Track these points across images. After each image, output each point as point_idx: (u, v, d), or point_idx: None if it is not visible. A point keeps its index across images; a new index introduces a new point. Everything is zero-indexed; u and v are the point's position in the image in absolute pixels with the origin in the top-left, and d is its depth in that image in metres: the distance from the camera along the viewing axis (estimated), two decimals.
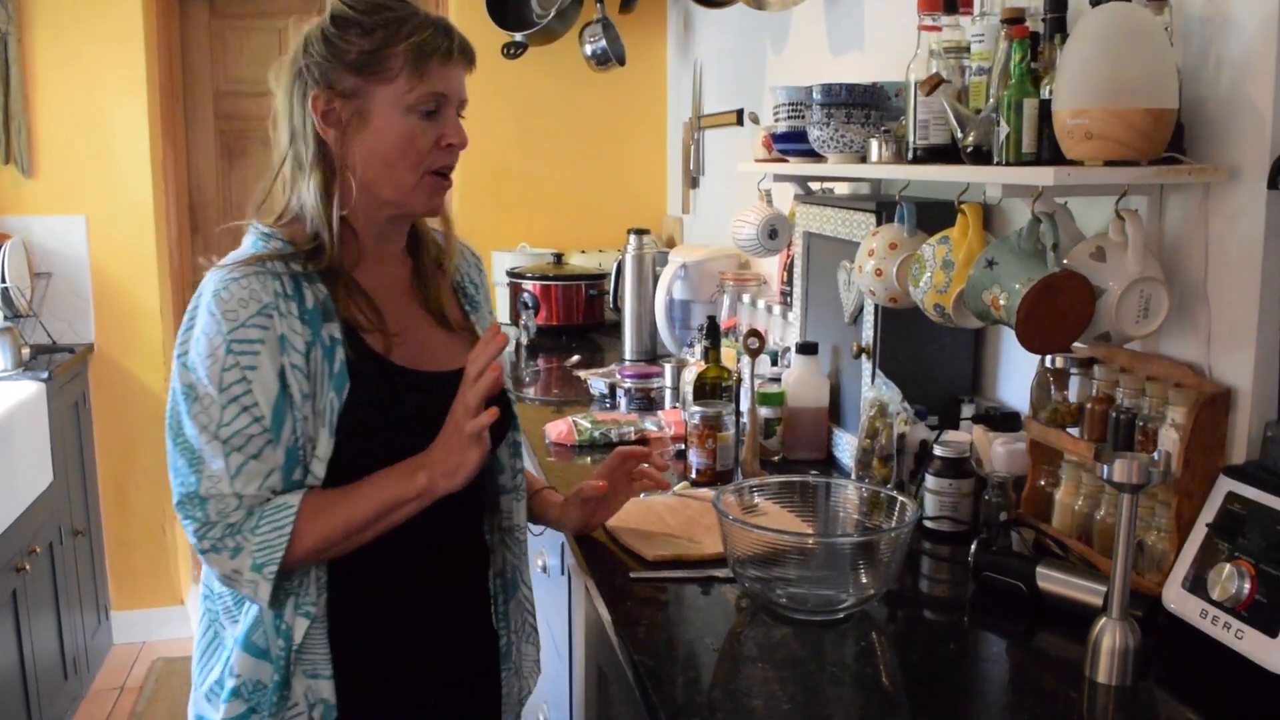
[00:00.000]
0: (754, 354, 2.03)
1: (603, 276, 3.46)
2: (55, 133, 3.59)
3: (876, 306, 1.85)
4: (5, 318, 3.33)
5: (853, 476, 1.86)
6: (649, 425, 2.27)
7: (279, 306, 1.24)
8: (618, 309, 3.23)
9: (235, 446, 1.21)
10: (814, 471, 1.95)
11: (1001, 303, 1.41)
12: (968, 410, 1.82)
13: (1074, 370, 1.53)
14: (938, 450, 1.64)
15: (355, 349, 1.29)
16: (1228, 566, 1.20)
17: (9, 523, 2.76)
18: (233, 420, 1.21)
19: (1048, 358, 1.55)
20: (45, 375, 3.14)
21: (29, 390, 3.04)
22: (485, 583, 1.49)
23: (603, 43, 3.40)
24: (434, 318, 1.41)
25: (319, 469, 1.26)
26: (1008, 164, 1.39)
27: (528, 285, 3.42)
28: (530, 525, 1.58)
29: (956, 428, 1.79)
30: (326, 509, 1.25)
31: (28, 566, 2.85)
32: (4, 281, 3.34)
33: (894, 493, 1.50)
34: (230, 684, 1.28)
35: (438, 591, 1.42)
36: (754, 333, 2.04)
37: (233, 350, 1.21)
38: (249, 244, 1.31)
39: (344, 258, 1.31)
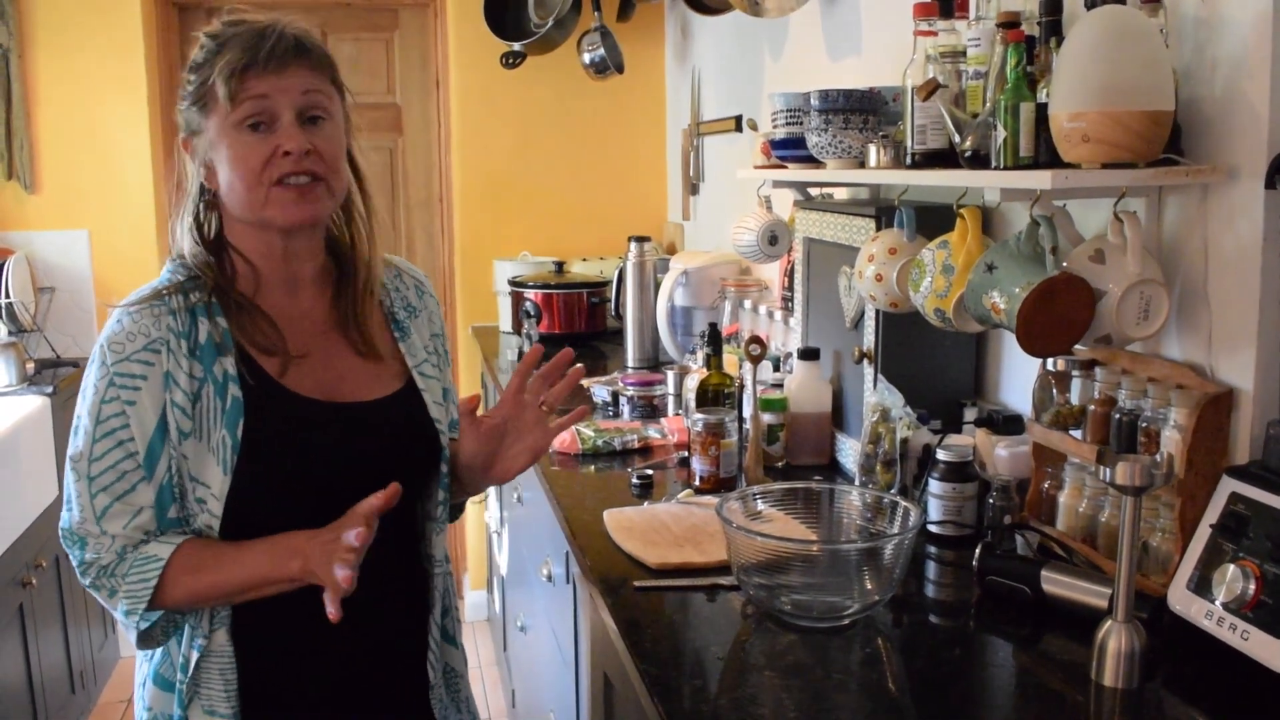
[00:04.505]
0: (756, 360, 2.03)
1: (604, 284, 3.46)
2: (57, 148, 3.60)
3: (877, 311, 1.85)
4: (9, 333, 3.34)
5: (856, 482, 1.86)
6: (652, 433, 2.27)
7: (169, 342, 1.24)
8: (619, 316, 3.23)
9: (102, 486, 1.22)
10: (817, 477, 1.95)
11: (1002, 307, 1.41)
12: (970, 414, 1.82)
13: (1076, 373, 1.53)
14: (941, 454, 1.64)
15: (253, 377, 1.27)
16: (1232, 568, 1.20)
17: (15, 537, 2.77)
18: (104, 455, 1.22)
19: (1049, 360, 1.55)
20: (50, 390, 3.15)
21: (34, 405, 3.04)
22: (424, 623, 1.40)
23: (601, 51, 3.41)
24: (354, 346, 1.37)
25: (215, 506, 1.23)
26: (1005, 168, 1.39)
27: (529, 294, 3.43)
28: (470, 499, 1.49)
29: (959, 431, 1.79)
30: (198, 568, 1.23)
31: (34, 581, 2.86)
32: (8, 297, 3.35)
33: (897, 498, 1.50)
34: (145, 717, 1.31)
35: (359, 630, 1.31)
36: (755, 339, 2.04)
37: (114, 383, 1.22)
38: (161, 275, 1.33)
39: (241, 286, 1.31)
